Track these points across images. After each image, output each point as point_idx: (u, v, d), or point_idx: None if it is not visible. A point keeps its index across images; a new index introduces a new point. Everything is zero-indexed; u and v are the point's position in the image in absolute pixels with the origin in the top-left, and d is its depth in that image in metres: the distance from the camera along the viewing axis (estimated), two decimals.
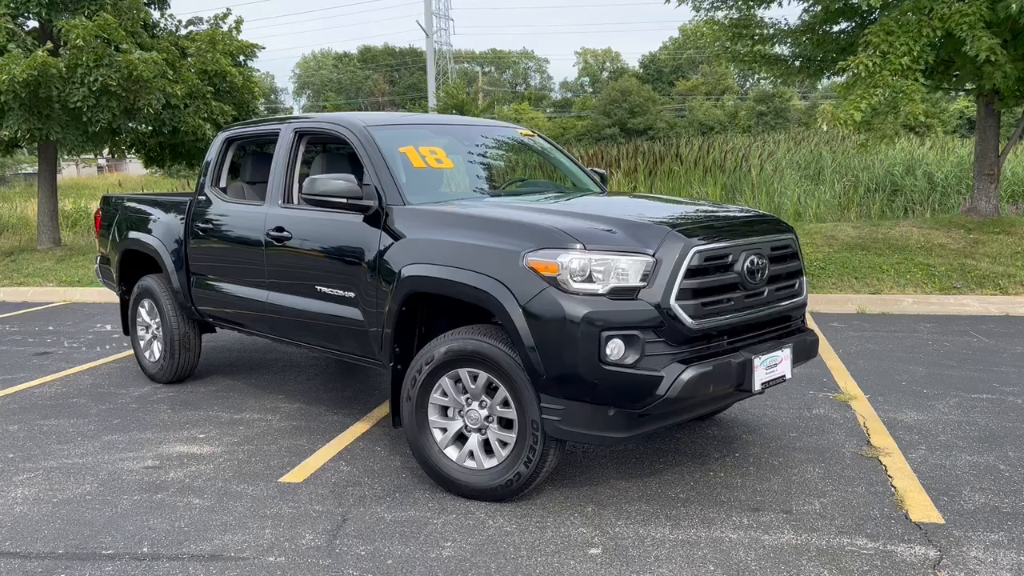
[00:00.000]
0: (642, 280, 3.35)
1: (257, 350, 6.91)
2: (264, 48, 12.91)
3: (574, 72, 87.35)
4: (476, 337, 3.61)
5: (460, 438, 3.76)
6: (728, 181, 16.71)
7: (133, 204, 6.18)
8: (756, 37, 11.00)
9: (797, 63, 11.24)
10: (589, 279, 3.33)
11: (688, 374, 3.32)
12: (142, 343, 6.06)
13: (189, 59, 11.89)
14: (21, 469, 4.26)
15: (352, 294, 4.25)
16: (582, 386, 3.32)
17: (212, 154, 5.56)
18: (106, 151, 12.92)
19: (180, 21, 13.25)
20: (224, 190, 5.48)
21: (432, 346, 3.74)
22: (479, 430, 3.69)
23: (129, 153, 13.73)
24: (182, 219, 5.56)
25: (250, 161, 5.68)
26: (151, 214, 5.90)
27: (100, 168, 49.13)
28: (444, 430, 3.77)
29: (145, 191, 20.91)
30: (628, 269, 3.34)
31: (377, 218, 4.13)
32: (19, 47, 10.29)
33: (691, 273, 3.41)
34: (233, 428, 4.86)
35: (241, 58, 12.81)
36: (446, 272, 3.69)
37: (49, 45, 10.34)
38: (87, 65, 10.23)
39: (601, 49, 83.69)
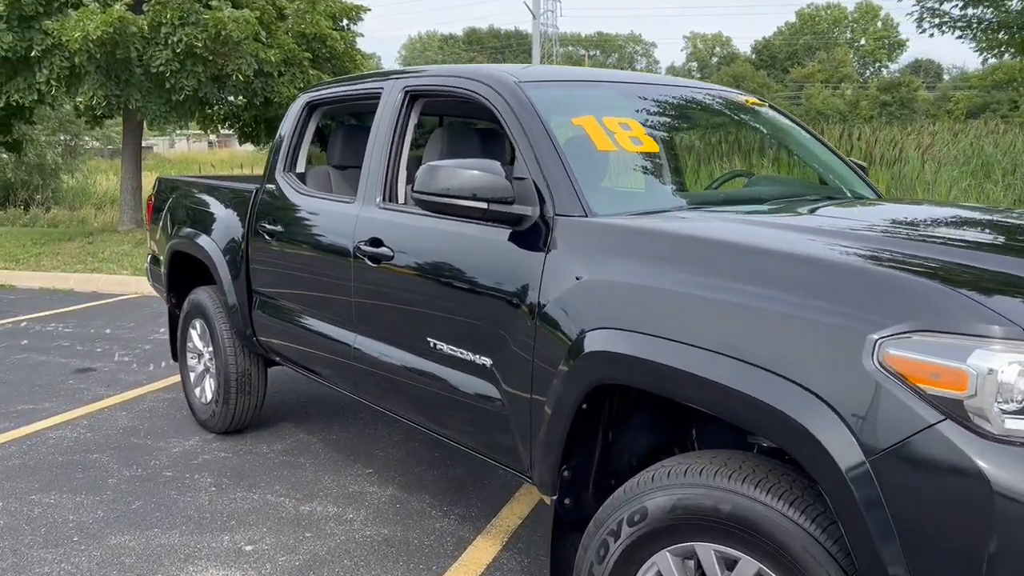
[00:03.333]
0: None
1: None
2: (369, 10, 11.41)
3: (682, 57, 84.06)
4: (737, 488, 1.83)
5: None
6: (888, 178, 14.36)
7: (190, 189, 4.68)
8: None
9: None
10: None
11: None
12: (192, 376, 4.56)
13: (287, 21, 10.50)
14: None
15: (487, 361, 2.55)
16: None
17: (287, 125, 3.96)
18: (195, 124, 11.72)
19: None
20: (302, 177, 3.88)
21: (642, 492, 1.99)
22: None
23: (222, 127, 12.56)
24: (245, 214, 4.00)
25: (340, 136, 4.07)
26: (208, 204, 4.37)
27: (211, 143, 49.71)
28: None
29: (247, 171, 20.07)
30: None
31: (536, 236, 2.40)
32: (97, 1, 9.08)
33: None
34: (296, 533, 3.26)
35: (344, 22, 11.35)
36: (679, 355, 1.91)
37: (129, 0, 9.10)
38: (171, 23, 8.95)
39: (711, 33, 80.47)
